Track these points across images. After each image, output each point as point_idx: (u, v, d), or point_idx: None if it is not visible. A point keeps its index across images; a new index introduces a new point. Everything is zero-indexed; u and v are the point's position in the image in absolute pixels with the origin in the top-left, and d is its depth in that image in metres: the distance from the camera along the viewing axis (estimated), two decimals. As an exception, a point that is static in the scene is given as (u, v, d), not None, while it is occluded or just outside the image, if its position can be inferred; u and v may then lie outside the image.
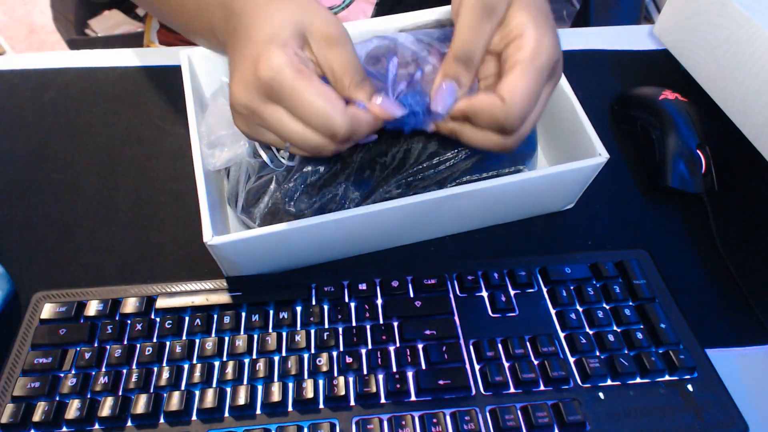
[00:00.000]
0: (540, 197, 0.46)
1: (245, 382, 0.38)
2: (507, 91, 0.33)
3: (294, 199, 0.42)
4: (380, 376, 0.38)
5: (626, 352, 0.40)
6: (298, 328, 0.40)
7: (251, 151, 0.44)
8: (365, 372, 0.38)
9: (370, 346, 0.39)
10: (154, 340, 0.40)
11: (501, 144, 0.36)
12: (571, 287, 0.43)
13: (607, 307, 0.42)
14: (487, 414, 0.37)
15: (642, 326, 0.41)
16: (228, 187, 0.46)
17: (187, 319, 0.40)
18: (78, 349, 0.39)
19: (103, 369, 0.38)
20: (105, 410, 0.36)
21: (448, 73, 0.35)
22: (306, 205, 0.42)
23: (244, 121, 0.35)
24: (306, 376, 0.38)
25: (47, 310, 0.40)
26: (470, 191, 0.41)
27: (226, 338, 0.39)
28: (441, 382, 0.38)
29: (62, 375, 0.38)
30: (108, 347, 0.39)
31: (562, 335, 0.41)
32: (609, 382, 0.39)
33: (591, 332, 0.41)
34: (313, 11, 0.33)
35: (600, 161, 0.43)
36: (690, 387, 0.39)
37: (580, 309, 0.42)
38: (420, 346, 0.39)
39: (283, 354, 0.39)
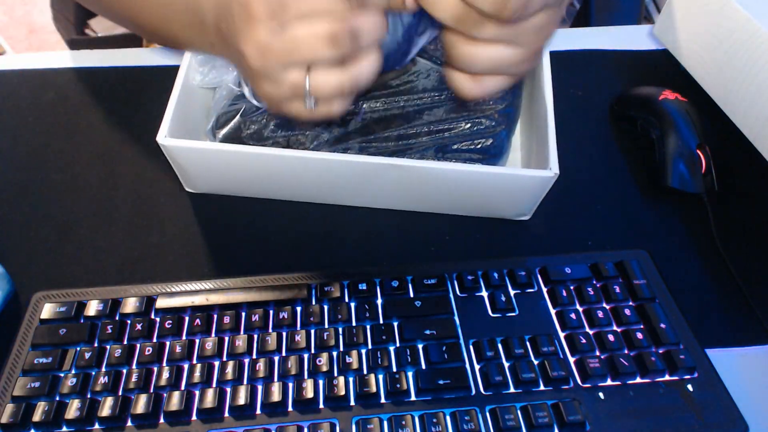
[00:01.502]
0: (483, 196, 0.46)
1: (245, 382, 0.38)
2: None
3: (252, 132, 0.47)
4: (380, 376, 0.38)
5: (626, 352, 0.40)
6: (298, 328, 0.40)
7: (236, 80, 0.48)
8: (365, 372, 0.38)
9: (370, 346, 0.39)
10: (154, 340, 0.39)
11: (508, 58, 0.32)
12: (571, 287, 0.43)
13: (607, 307, 0.42)
14: (487, 414, 0.37)
15: (642, 326, 0.41)
16: (211, 107, 0.49)
17: (187, 319, 0.40)
18: (78, 349, 0.39)
19: (103, 369, 0.38)
20: (105, 410, 0.36)
21: None
22: (262, 142, 0.46)
23: (273, 74, 0.32)
24: (306, 376, 0.38)
25: (47, 310, 0.40)
26: (407, 166, 0.42)
27: (226, 338, 0.39)
28: (441, 382, 0.38)
29: (62, 375, 0.38)
30: (108, 347, 0.39)
31: (562, 335, 0.41)
32: (609, 382, 0.39)
33: (591, 332, 0.41)
34: None
35: (547, 175, 0.42)
36: (690, 387, 0.39)
37: (580, 309, 0.42)
38: (420, 346, 0.39)
39: (283, 354, 0.39)
